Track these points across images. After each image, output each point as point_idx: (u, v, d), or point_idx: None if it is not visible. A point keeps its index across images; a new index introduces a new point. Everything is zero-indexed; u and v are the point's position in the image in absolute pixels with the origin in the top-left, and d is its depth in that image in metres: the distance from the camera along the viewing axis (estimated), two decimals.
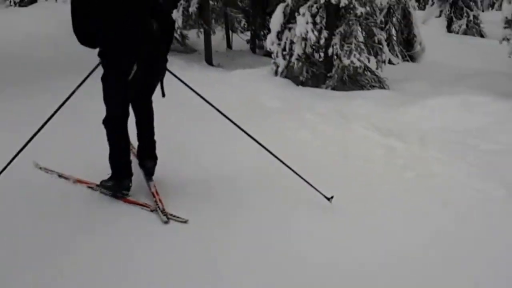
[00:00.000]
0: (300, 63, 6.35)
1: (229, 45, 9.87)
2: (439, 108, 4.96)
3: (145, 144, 3.20)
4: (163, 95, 3.01)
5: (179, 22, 7.58)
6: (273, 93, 5.99)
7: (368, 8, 5.97)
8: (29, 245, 2.41)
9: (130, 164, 2.97)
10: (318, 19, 5.84)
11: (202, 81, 6.93)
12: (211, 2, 7.64)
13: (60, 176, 3.14)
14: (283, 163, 3.01)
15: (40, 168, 3.25)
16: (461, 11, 15.62)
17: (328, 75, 6.26)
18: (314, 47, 6.31)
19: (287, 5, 6.25)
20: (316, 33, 5.87)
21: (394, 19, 8.29)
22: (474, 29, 15.87)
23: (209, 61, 8.24)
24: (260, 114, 5.29)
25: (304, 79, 6.52)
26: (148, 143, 3.20)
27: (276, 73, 6.66)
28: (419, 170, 3.64)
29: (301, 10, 5.89)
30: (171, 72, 3.07)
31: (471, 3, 15.66)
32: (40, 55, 8.77)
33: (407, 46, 9.47)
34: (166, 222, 2.61)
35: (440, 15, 16.02)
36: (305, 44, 6.11)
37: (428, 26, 15.12)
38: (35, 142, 2.78)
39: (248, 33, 10.24)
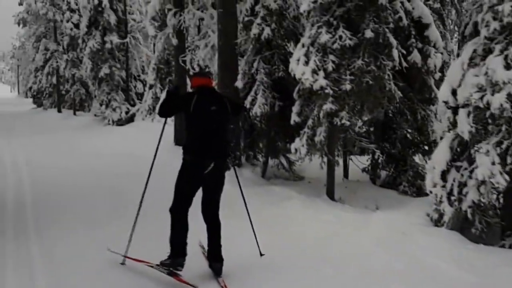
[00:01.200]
0: (474, 212, 4.81)
1: (345, 175, 8.65)
2: None
3: (212, 249, 3.86)
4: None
5: (302, 151, 6.53)
6: (448, 256, 4.38)
7: None
8: None
9: (185, 246, 3.72)
10: (509, 159, 4.40)
11: (338, 229, 5.57)
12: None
13: (127, 257, 4.07)
14: None
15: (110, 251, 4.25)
16: None
17: None
18: (494, 192, 4.81)
19: (456, 138, 4.94)
20: (506, 176, 4.39)
21: None
22: None
23: (331, 195, 6.97)
24: None
25: (477, 233, 4.91)
26: (215, 248, 3.85)
27: (437, 222, 5.14)
28: None
29: (483, 147, 4.52)
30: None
31: None
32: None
33: None
34: None
35: None
36: (485, 189, 4.62)
37: None
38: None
39: (364, 160, 9.03)
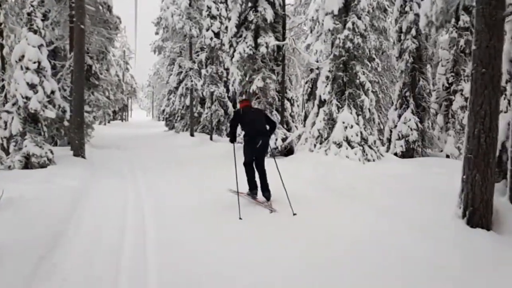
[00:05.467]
0: None
1: None
2: None
3: (262, 185, 6.18)
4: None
5: None
6: None
7: None
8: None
9: (256, 183, 6.26)
10: None
11: None
12: None
13: (234, 191, 6.51)
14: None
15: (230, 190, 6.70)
16: None
17: None
18: None
19: None
20: None
21: None
22: None
23: None
24: None
25: None
26: (264, 184, 6.17)
27: None
28: None
29: None
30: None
31: None
32: None
33: None
34: (271, 212, 5.58)
35: None
36: None
37: None
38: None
39: None
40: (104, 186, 6.99)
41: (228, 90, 17.26)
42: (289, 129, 13.03)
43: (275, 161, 6.77)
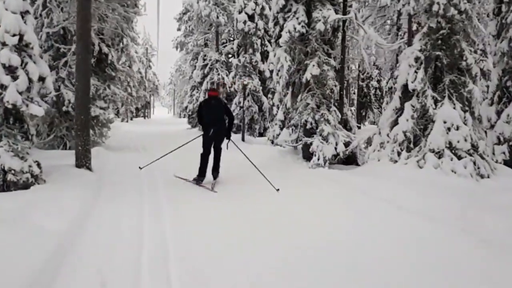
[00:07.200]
0: None
1: None
2: None
3: (214, 165, 6.96)
4: (227, 148, 7.24)
5: None
6: None
7: None
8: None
9: (205, 173, 6.80)
10: None
11: None
12: None
13: (178, 177, 7.13)
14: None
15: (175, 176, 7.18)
16: None
17: None
18: None
19: None
20: None
21: None
22: None
23: None
24: None
25: None
26: (215, 164, 6.97)
27: None
28: None
29: None
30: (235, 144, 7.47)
31: None
32: None
33: None
34: (215, 192, 6.21)
35: None
36: None
37: None
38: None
39: None
40: (107, 233, 4.06)
41: (264, 82, 14.22)
42: (349, 130, 9.94)
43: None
